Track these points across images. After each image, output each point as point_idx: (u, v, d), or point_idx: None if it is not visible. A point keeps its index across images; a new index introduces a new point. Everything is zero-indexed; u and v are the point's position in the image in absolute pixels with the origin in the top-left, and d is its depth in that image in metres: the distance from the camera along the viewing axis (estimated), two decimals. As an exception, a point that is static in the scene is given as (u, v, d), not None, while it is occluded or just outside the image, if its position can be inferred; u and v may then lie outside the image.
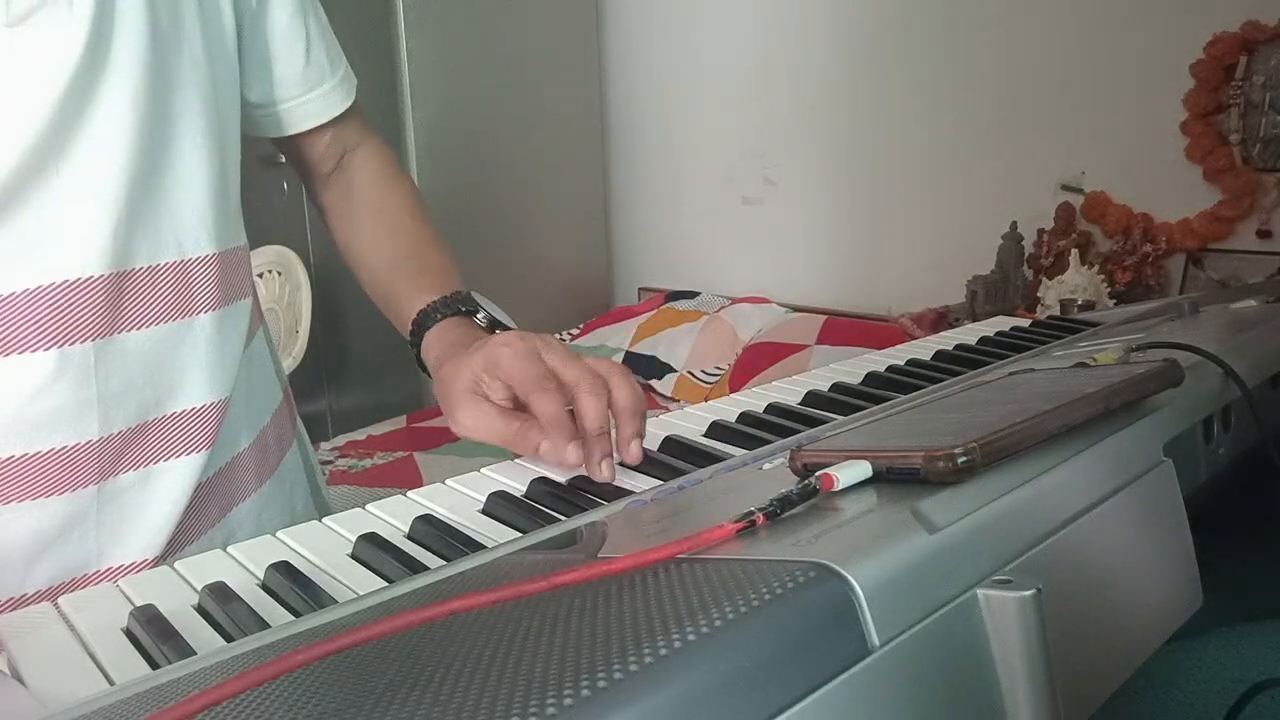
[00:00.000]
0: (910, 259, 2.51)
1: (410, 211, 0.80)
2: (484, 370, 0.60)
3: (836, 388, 0.70)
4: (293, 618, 0.41)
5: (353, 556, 0.48)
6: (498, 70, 2.77)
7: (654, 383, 2.55)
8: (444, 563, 0.46)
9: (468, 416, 0.59)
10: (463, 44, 2.69)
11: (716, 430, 0.62)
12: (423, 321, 0.69)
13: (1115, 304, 2.00)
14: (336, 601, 0.42)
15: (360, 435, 2.41)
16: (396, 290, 0.74)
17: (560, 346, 0.60)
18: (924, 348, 0.82)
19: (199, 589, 0.45)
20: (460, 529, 0.50)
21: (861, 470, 0.38)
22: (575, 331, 2.90)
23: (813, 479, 0.37)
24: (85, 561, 0.59)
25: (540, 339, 0.60)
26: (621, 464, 0.57)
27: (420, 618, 0.29)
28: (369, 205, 0.80)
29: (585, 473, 0.55)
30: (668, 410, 0.63)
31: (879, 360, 0.78)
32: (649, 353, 2.60)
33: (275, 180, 2.67)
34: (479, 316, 0.69)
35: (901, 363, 0.76)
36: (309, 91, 0.74)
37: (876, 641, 0.30)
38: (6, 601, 0.57)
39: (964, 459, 0.37)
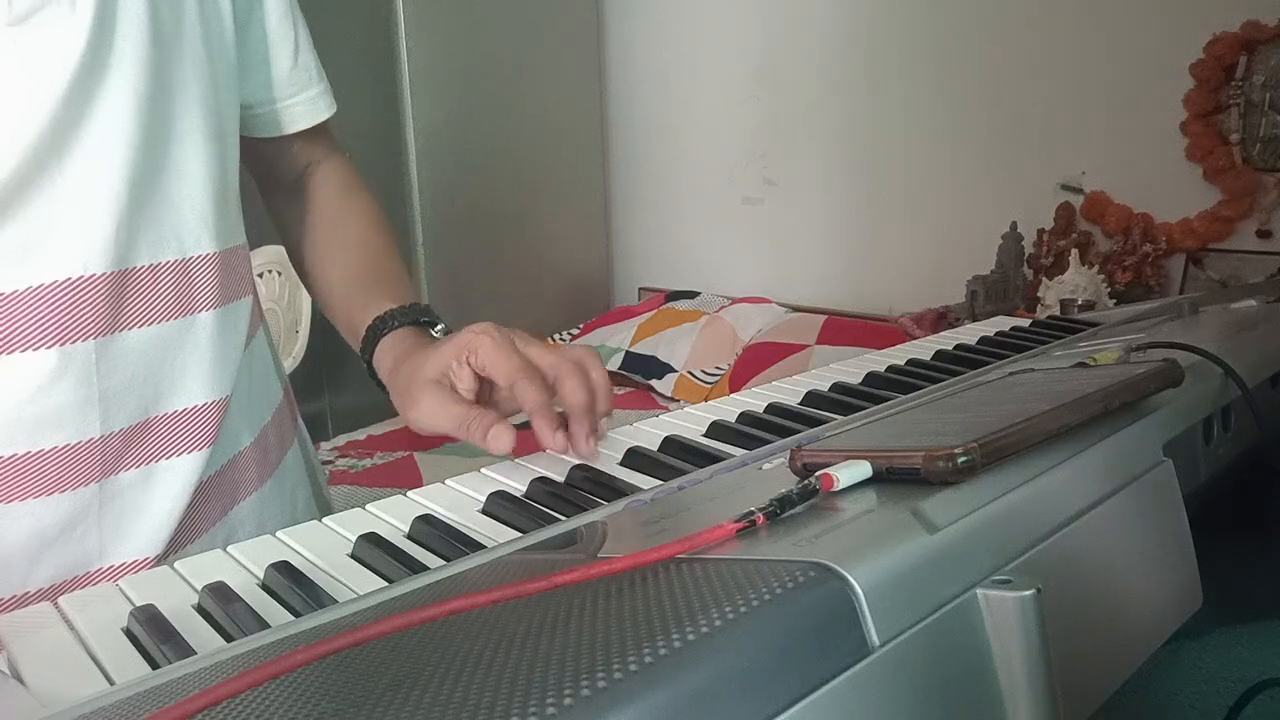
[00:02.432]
0: (910, 259, 2.51)
1: (372, 226, 0.79)
2: (456, 358, 0.60)
3: (836, 388, 0.70)
4: (293, 618, 0.41)
5: (353, 556, 0.48)
6: (498, 71, 2.77)
7: (654, 383, 2.55)
8: (444, 563, 0.46)
9: (429, 402, 0.59)
10: (463, 46, 2.69)
11: (716, 430, 0.62)
12: (378, 328, 0.68)
13: (1115, 304, 2.00)
14: (336, 601, 0.42)
15: (360, 435, 2.41)
16: (350, 300, 0.73)
17: (533, 339, 0.61)
18: (924, 348, 0.82)
19: (199, 589, 0.45)
20: (460, 529, 0.50)
21: (861, 470, 0.38)
22: (575, 331, 2.89)
23: (813, 479, 0.37)
24: (87, 560, 0.59)
25: (513, 331, 0.61)
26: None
27: (420, 618, 0.29)
28: (329, 217, 0.79)
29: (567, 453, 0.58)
30: (668, 410, 0.64)
31: (879, 360, 0.78)
32: (649, 353, 2.60)
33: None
34: (436, 329, 0.69)
35: (901, 363, 0.76)
36: (296, 94, 0.74)
37: (876, 641, 0.30)
38: (8, 600, 0.57)
39: (964, 459, 0.37)
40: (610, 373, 2.94)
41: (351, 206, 0.80)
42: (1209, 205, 2.03)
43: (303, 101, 0.75)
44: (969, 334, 0.87)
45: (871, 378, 0.73)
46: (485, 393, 0.62)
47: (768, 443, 0.58)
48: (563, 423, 0.58)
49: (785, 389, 0.71)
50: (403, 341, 0.67)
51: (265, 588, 0.45)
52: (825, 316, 2.46)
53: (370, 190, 0.82)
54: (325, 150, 0.81)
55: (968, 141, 2.36)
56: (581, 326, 2.90)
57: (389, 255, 0.78)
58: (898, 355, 0.79)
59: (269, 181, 0.81)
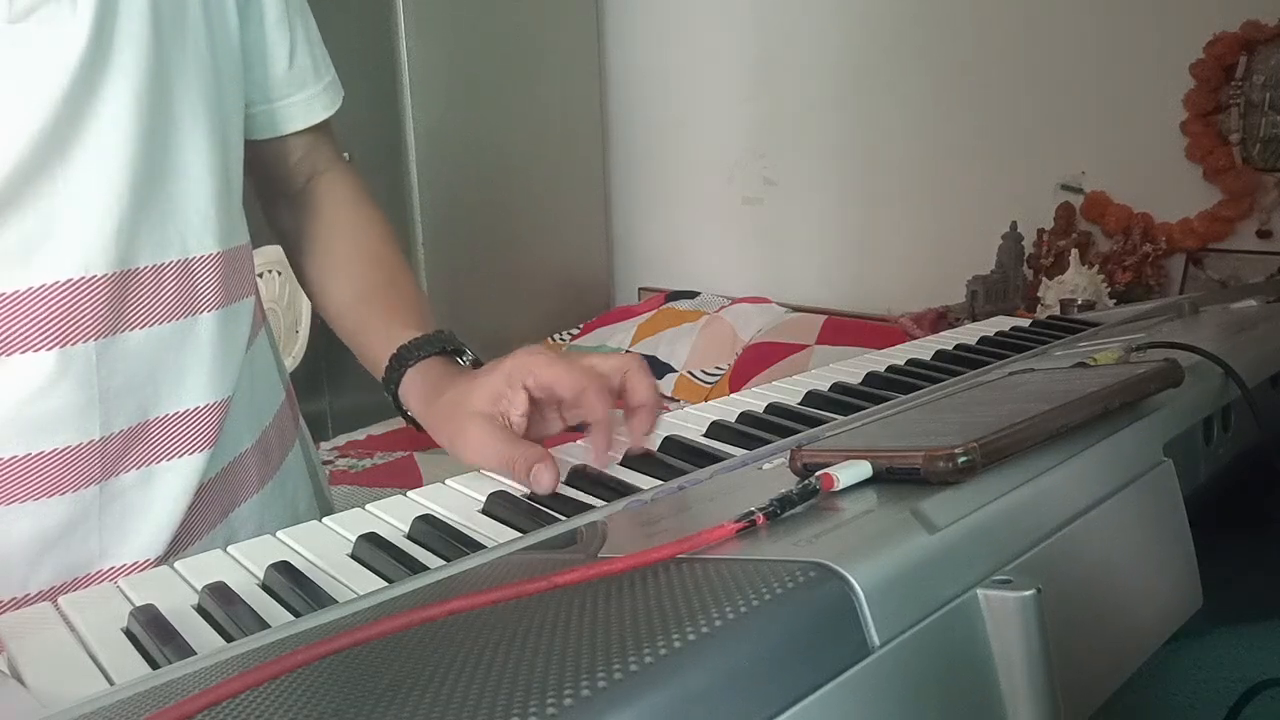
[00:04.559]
0: (910, 259, 2.51)
1: (384, 240, 0.77)
2: (508, 383, 0.59)
3: (836, 388, 0.70)
4: (293, 618, 0.41)
5: (353, 556, 0.48)
6: (498, 71, 2.77)
7: (654, 383, 2.55)
8: (444, 563, 0.46)
9: (476, 437, 0.58)
10: (463, 46, 2.69)
11: (716, 430, 0.62)
12: (404, 357, 0.67)
13: (1115, 304, 2.00)
14: (336, 601, 0.42)
15: (360, 435, 2.41)
16: (369, 323, 0.72)
17: (577, 357, 0.62)
18: (924, 348, 0.82)
19: (199, 589, 0.45)
20: (460, 529, 0.50)
21: (861, 470, 0.38)
22: (575, 331, 2.90)
23: (813, 479, 0.37)
24: (88, 561, 0.59)
25: (559, 353, 0.62)
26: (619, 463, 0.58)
27: (420, 618, 0.29)
28: (340, 230, 0.77)
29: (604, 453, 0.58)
30: (668, 410, 0.64)
31: (879, 360, 0.78)
32: (649, 353, 2.60)
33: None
34: (464, 357, 0.67)
35: (901, 363, 0.76)
36: (291, 95, 0.73)
37: (876, 641, 0.30)
38: (9, 601, 0.57)
39: (964, 459, 0.37)
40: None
41: (362, 219, 0.78)
42: (1209, 205, 2.03)
43: (298, 102, 0.73)
44: (969, 334, 0.87)
45: (871, 378, 0.73)
46: (533, 416, 0.61)
47: (768, 443, 0.58)
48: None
49: (785, 389, 0.71)
50: (431, 371, 0.66)
51: (265, 588, 0.45)
52: (825, 316, 2.46)
53: (375, 198, 0.81)
54: (329, 159, 0.79)
55: (968, 141, 2.36)
56: (581, 326, 2.90)
57: (403, 274, 0.76)
58: (898, 355, 0.79)
59: (271, 189, 0.79)
